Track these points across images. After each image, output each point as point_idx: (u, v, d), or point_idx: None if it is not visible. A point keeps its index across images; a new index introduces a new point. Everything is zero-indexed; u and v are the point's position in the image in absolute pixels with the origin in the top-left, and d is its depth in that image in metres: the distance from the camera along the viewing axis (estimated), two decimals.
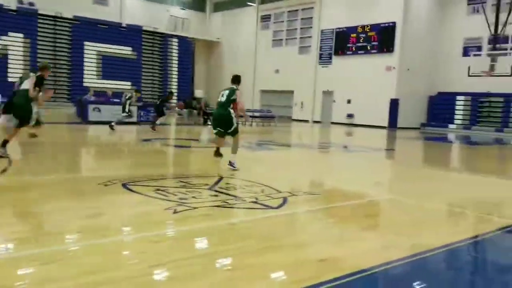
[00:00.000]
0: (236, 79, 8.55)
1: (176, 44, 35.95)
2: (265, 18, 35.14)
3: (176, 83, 35.93)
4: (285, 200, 5.67)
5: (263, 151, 12.30)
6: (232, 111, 8.26)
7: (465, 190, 7.88)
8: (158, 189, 5.93)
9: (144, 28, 34.15)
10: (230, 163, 8.10)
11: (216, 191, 6.05)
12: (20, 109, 8.05)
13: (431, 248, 3.98)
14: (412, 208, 5.88)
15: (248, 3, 36.25)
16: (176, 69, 36.04)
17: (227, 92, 8.31)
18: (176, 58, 36.02)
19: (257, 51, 35.60)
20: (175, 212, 4.79)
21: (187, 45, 36.77)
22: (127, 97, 16.33)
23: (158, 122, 16.12)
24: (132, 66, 33.42)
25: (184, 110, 21.27)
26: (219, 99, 8.34)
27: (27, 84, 7.99)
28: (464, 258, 4.02)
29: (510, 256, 4.17)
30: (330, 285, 3.02)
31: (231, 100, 8.20)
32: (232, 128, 8.34)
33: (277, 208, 5.26)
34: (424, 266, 3.64)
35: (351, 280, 3.14)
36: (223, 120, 8.30)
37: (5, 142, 7.83)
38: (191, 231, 4.25)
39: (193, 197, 5.57)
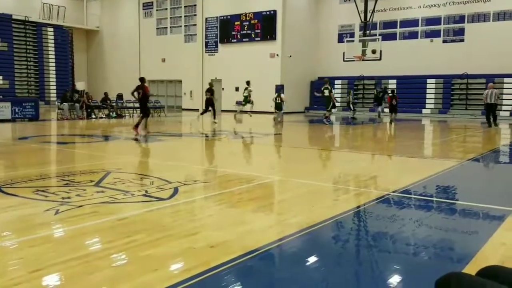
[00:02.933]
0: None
1: (52, 33, 33.39)
2: (147, 6, 34.10)
3: (54, 76, 33.46)
4: (176, 190, 5.67)
5: (152, 143, 12.06)
6: None
7: (345, 167, 8.55)
8: (38, 190, 5.55)
9: (14, 17, 31.14)
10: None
11: (102, 187, 5.83)
12: None
13: (316, 222, 4.29)
14: (299, 187, 6.24)
15: None
16: (54, 60, 33.52)
17: None
18: (53, 49, 33.48)
19: (140, 40, 34.48)
20: (57, 212, 4.54)
21: (63, 35, 34.33)
22: None
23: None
24: (2, 58, 30.38)
25: (65, 104, 19.93)
26: None
27: None
28: (346, 229, 4.39)
29: (387, 223, 4.64)
30: (220, 269, 3.12)
31: None
32: None
33: (168, 199, 5.24)
34: (311, 240, 3.92)
35: (241, 262, 3.28)
36: None
37: None
38: (76, 230, 4.07)
39: (78, 195, 5.32)
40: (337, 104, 28.67)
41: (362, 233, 4.30)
